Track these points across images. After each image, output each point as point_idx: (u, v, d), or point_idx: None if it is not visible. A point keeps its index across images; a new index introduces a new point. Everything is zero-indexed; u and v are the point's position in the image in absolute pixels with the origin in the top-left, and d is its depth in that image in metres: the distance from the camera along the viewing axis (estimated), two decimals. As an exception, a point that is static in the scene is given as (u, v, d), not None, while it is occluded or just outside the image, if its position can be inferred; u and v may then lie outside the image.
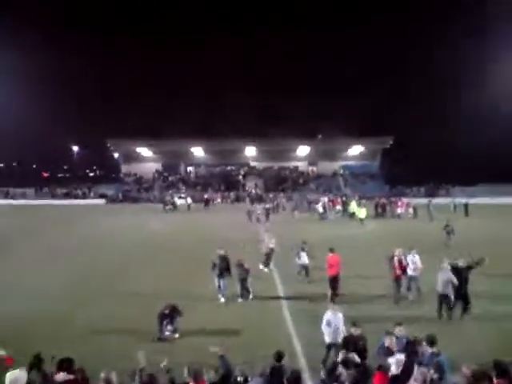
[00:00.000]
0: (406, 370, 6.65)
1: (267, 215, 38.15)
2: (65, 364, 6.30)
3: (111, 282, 16.63)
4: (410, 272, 13.96)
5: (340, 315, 9.21)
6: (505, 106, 69.00)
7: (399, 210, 42.15)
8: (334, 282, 14.02)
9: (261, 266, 18.12)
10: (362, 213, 36.74)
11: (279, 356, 7.00)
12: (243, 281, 14.27)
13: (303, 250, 16.57)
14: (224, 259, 14.35)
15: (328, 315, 9.27)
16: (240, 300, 14.14)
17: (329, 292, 14.02)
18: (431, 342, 7.58)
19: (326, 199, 46.64)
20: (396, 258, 13.69)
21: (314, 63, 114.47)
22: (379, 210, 42.95)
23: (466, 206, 42.45)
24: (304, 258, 16.40)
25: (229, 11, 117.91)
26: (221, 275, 14.18)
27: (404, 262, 13.83)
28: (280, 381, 6.41)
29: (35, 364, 6.55)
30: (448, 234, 24.63)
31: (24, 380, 5.51)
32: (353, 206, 39.69)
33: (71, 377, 6.09)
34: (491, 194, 58.78)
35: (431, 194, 59.56)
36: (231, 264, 14.42)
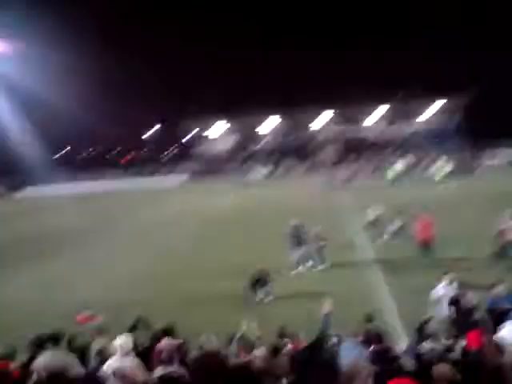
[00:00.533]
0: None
1: (349, 181, 37.42)
2: (168, 331, 6.67)
3: (200, 257, 17.26)
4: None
5: (454, 285, 8.52)
6: None
7: (487, 164, 39.58)
8: (425, 246, 13.49)
9: (371, 240, 17.27)
10: (444, 170, 35.41)
11: (369, 318, 7.12)
12: (319, 250, 14.09)
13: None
14: (298, 229, 14.21)
15: (441, 287, 8.75)
16: (320, 267, 13.99)
17: (420, 255, 13.57)
18: None
19: (405, 161, 44.96)
20: (503, 224, 12.59)
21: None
22: (463, 166, 40.56)
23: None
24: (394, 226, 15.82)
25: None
26: (297, 245, 14.10)
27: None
28: (371, 342, 6.25)
29: (136, 326, 7.10)
30: None
31: (130, 344, 5.84)
32: (439, 165, 37.72)
33: (175, 342, 6.42)
34: None
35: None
36: (308, 233, 14.26)
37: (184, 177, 67.21)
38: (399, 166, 39.52)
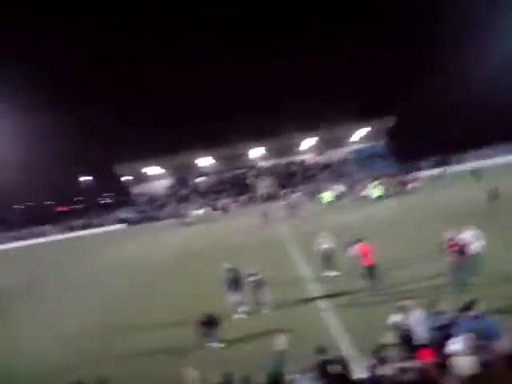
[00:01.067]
0: None
1: (292, 211, 38.18)
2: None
3: (144, 304, 16.37)
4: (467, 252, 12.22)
5: (417, 314, 7.98)
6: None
7: (411, 185, 42.16)
8: (369, 272, 13.31)
9: (325, 273, 16.02)
10: (377, 192, 37.39)
11: (322, 350, 6.91)
12: (257, 291, 13.21)
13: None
14: (231, 272, 13.39)
15: (392, 315, 8.34)
16: (263, 310, 13.16)
17: (366, 283, 13.41)
18: (468, 307, 7.09)
19: (339, 187, 46.61)
20: (448, 241, 12.23)
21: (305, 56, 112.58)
22: (394, 187, 42.78)
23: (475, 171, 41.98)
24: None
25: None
26: (231, 289, 13.26)
27: (459, 243, 12.14)
28: (327, 374, 6.35)
29: None
30: (493, 200, 23.66)
31: None
32: (371, 188, 39.27)
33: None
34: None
35: (444, 163, 59.41)
36: (243, 274, 13.40)
37: (121, 225, 65.49)
38: (333, 192, 40.74)
